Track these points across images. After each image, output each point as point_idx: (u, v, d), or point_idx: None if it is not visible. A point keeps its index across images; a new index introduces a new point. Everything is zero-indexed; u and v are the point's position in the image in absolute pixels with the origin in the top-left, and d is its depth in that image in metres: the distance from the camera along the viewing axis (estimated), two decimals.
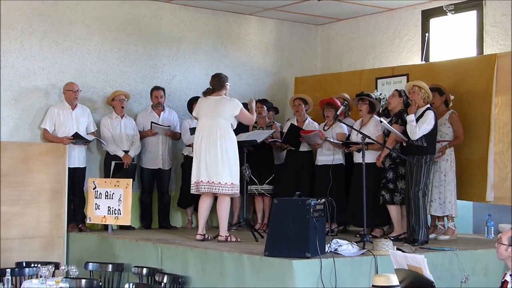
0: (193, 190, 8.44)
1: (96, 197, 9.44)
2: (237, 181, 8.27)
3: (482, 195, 8.88)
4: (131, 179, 9.48)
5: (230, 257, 7.07)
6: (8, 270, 6.86)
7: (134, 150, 10.16)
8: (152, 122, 10.29)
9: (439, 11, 10.57)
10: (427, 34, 10.64)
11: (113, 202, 9.32)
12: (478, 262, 7.63)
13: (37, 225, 9.22)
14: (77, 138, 9.62)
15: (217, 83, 8.44)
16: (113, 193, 9.33)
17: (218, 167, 8.15)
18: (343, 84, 10.71)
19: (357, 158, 9.04)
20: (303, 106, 10.02)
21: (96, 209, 9.45)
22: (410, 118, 8.21)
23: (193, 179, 8.36)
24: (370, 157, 8.73)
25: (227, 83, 8.50)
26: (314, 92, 10.75)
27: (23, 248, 9.03)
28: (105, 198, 9.36)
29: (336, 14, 11.75)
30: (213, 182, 8.18)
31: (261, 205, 10.31)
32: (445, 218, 8.95)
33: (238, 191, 8.36)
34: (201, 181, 8.24)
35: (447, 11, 10.34)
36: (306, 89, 11.09)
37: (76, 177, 9.71)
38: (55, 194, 9.33)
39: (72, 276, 6.92)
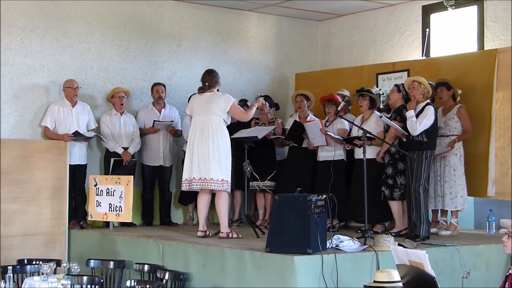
0: (184, 188, 8.44)
1: (97, 194, 9.44)
2: (227, 178, 8.26)
3: (483, 190, 8.89)
4: (132, 176, 9.48)
5: (231, 254, 7.07)
6: (10, 268, 6.86)
7: (133, 147, 10.17)
8: (154, 121, 10.30)
9: (439, 6, 10.55)
10: (427, 30, 10.62)
11: (114, 199, 9.31)
12: (479, 257, 7.62)
13: (38, 222, 9.23)
14: (77, 135, 9.63)
15: (213, 80, 8.45)
16: (114, 190, 9.32)
17: (209, 163, 8.17)
18: (344, 80, 10.71)
19: (358, 154, 9.04)
20: (305, 102, 10.03)
21: (97, 206, 9.45)
22: (410, 114, 8.21)
23: (185, 176, 8.37)
24: (370, 152, 8.73)
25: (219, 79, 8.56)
26: (315, 88, 10.73)
27: (24, 246, 9.04)
28: (106, 195, 9.36)
29: (336, 10, 11.73)
30: (205, 178, 8.19)
31: (263, 201, 10.32)
32: (449, 213, 8.95)
33: (229, 188, 8.35)
34: (193, 178, 8.25)
35: (447, 6, 10.31)
36: (307, 85, 11.08)
37: (77, 174, 9.72)
38: (56, 191, 9.33)
39: (73, 273, 6.92)
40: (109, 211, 9.36)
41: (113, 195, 9.32)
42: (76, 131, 9.62)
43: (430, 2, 10.73)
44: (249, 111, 8.66)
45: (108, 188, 9.36)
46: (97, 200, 9.43)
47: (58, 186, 9.35)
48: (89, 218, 9.69)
